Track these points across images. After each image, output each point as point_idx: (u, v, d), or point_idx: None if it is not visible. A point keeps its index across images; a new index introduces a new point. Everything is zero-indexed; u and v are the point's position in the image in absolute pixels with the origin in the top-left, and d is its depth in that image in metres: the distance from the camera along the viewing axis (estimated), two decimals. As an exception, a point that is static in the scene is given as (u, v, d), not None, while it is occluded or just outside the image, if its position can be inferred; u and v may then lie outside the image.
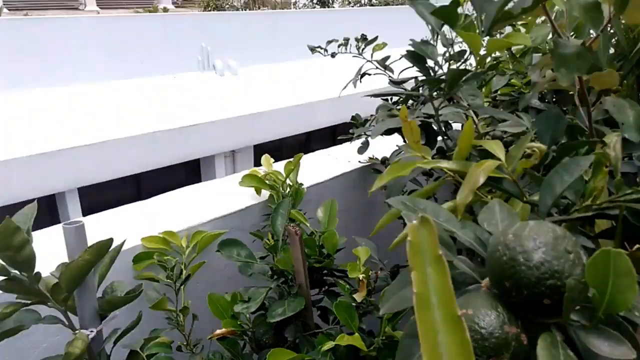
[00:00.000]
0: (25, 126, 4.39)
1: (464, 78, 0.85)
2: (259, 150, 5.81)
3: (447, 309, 0.36)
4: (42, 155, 3.80)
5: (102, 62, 5.04)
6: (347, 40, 1.37)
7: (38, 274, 0.65)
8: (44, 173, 3.82)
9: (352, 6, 7.84)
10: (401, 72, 1.29)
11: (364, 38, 1.38)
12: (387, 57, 1.25)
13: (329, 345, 0.87)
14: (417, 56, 0.91)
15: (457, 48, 0.90)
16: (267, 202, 1.25)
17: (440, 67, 0.92)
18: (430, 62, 0.93)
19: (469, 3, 0.78)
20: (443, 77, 0.88)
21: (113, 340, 0.72)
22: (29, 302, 0.69)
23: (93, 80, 4.98)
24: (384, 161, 1.38)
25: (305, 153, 1.37)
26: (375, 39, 1.32)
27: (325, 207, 1.06)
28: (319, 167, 1.45)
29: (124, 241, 0.81)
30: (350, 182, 1.44)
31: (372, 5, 7.91)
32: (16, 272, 0.64)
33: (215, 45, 5.72)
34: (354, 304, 0.92)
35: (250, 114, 5.45)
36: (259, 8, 7.45)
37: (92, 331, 0.68)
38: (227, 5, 7.31)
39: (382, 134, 1.09)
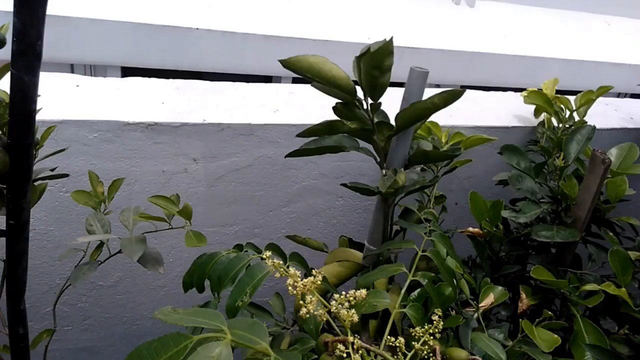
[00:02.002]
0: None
1: None
2: (463, 93, 5.51)
3: None
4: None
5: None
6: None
7: (380, 104, 0.69)
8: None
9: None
10: None
11: None
12: None
13: (592, 287, 0.81)
14: None
15: None
16: (538, 129, 1.17)
17: None
18: None
19: None
20: None
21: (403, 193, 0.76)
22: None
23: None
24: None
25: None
26: None
27: (621, 150, 0.95)
28: (592, 112, 1.30)
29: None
30: (625, 139, 1.28)
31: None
32: (361, 96, 0.69)
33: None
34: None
35: (469, 51, 5.13)
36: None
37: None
38: None
39: None
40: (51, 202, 0.94)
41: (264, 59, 4.12)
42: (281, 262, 0.52)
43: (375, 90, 0.66)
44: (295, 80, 2.58)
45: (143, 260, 0.70)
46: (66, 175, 0.68)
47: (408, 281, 0.63)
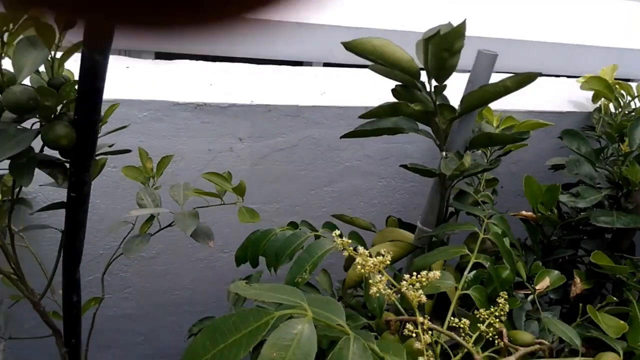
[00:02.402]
0: None
1: None
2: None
3: None
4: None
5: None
6: None
7: (445, 87, 0.67)
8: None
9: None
10: None
11: None
12: None
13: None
14: None
15: None
16: (594, 114, 1.13)
17: None
18: None
19: None
20: None
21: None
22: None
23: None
24: None
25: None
26: None
27: (686, 136, 0.90)
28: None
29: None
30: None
31: None
32: (425, 79, 0.67)
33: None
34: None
35: (506, 39, 4.97)
36: None
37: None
38: None
39: None
40: (99, 176, 0.95)
41: (295, 45, 4.08)
42: (349, 240, 0.51)
43: (442, 72, 0.64)
44: (325, 65, 2.56)
45: (195, 234, 0.70)
46: (128, 151, 0.68)
47: (471, 263, 0.61)
